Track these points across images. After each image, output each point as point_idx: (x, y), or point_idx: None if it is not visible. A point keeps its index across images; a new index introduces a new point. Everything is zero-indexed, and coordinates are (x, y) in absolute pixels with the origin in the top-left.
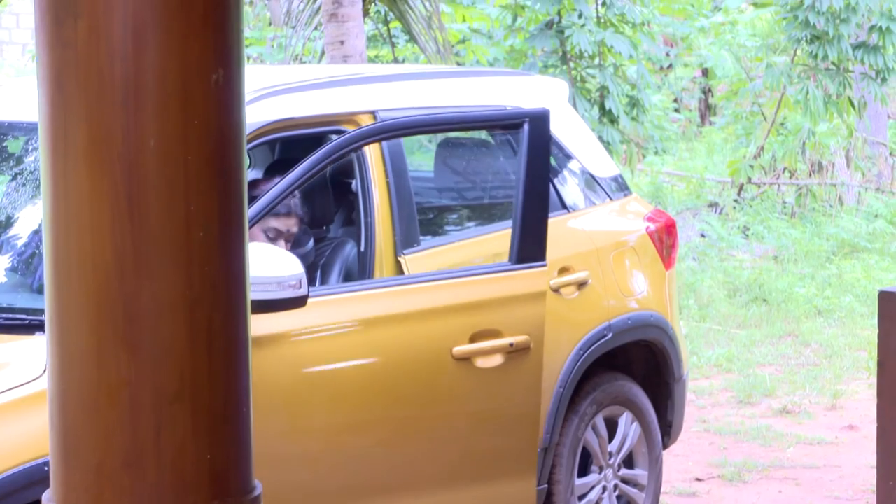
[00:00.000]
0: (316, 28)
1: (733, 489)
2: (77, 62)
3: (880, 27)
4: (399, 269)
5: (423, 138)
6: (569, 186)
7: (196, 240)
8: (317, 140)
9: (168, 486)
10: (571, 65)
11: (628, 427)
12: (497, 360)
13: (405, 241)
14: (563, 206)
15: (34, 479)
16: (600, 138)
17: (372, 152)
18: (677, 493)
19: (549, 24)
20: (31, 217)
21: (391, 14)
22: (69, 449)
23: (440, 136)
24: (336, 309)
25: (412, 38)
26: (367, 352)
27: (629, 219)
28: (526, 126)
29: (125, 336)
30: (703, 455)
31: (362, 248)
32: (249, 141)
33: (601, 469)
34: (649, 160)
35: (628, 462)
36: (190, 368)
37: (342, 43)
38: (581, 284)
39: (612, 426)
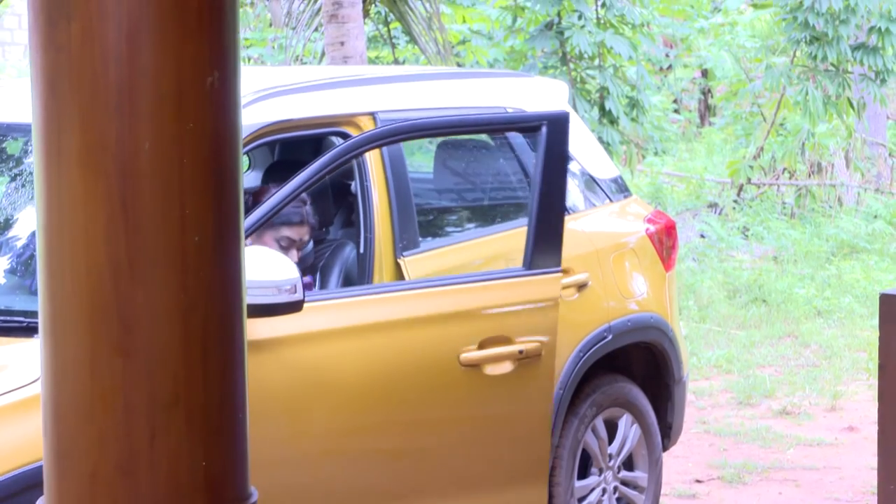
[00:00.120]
0: (316, 29)
1: (733, 491)
2: (70, 65)
3: (879, 28)
4: (398, 271)
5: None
6: (569, 188)
7: (191, 244)
8: (316, 141)
9: (163, 494)
10: (571, 66)
11: (628, 429)
12: (506, 367)
13: (405, 243)
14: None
15: (32, 482)
16: (600, 139)
17: (371, 154)
18: (677, 495)
19: (548, 25)
20: (30, 219)
21: (391, 15)
22: (63, 455)
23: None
24: (343, 313)
25: (412, 39)
26: (375, 357)
27: (629, 220)
28: (544, 129)
29: (119, 342)
30: (703, 456)
31: (362, 251)
32: (249, 142)
33: (601, 471)
34: (649, 161)
35: (628, 464)
36: (185, 374)
37: (342, 44)
38: (581, 286)
39: (611, 428)
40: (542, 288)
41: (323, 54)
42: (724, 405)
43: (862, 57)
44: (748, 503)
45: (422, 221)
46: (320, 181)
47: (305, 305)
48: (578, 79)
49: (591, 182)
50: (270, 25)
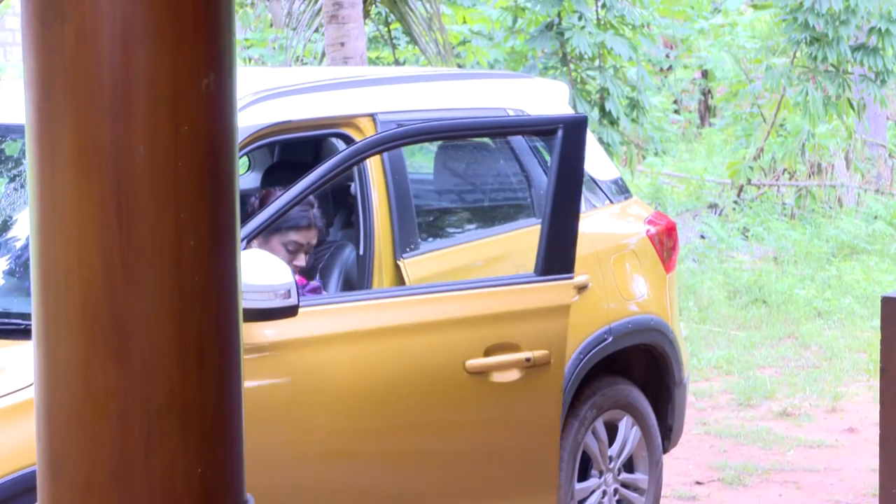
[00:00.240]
0: (317, 30)
1: (733, 492)
2: (64, 66)
3: (879, 29)
4: (398, 273)
5: None
6: None
7: (186, 249)
8: (316, 143)
9: (157, 501)
10: (571, 66)
11: (628, 431)
12: (513, 374)
13: (404, 244)
14: None
15: (32, 485)
16: (600, 140)
17: None
18: (677, 497)
19: (549, 26)
20: (28, 220)
21: (392, 16)
22: (56, 462)
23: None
24: (349, 318)
25: (413, 40)
26: (381, 363)
27: (629, 222)
28: (560, 132)
29: (113, 347)
30: (704, 458)
31: (361, 252)
32: (248, 144)
33: (601, 473)
34: (649, 162)
35: (628, 466)
36: (180, 380)
37: (342, 44)
38: (581, 288)
39: (612, 430)
40: (554, 294)
41: (323, 55)
42: (724, 406)
43: (862, 58)
44: None
45: (422, 223)
46: (329, 183)
47: (308, 310)
48: (579, 79)
49: (591, 183)
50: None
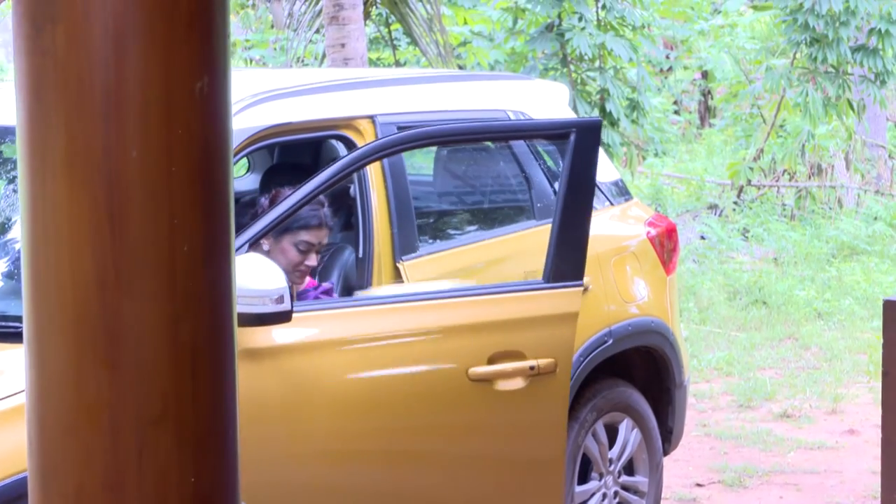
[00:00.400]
0: (317, 31)
1: (734, 495)
2: (55, 70)
3: (879, 30)
4: (398, 275)
5: None
6: None
7: (180, 254)
8: (316, 145)
9: None
10: (572, 67)
11: (629, 433)
12: (518, 383)
13: (404, 246)
14: None
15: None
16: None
17: None
18: (678, 499)
19: (549, 27)
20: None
21: (392, 17)
22: (47, 471)
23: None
24: (349, 323)
25: (413, 41)
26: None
27: (630, 224)
28: (573, 136)
29: (105, 355)
30: (704, 460)
31: (360, 254)
32: (248, 145)
33: (601, 476)
34: (649, 162)
35: (629, 469)
36: (173, 388)
37: (343, 45)
38: (582, 290)
39: (612, 433)
40: (562, 302)
41: (324, 56)
42: (724, 408)
43: (862, 59)
44: None
45: (421, 225)
46: (339, 183)
47: (309, 315)
48: (579, 80)
49: None
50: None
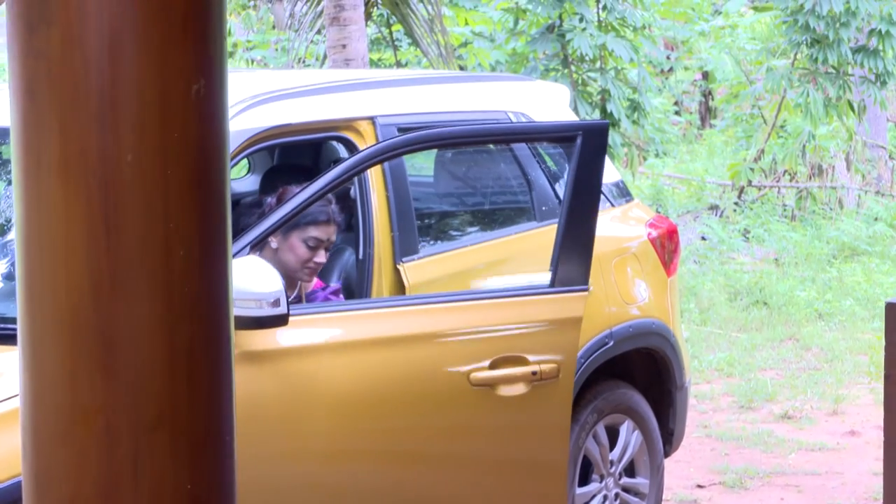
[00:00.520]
0: (319, 31)
1: (735, 496)
2: (50, 72)
3: (880, 31)
4: (398, 277)
5: None
6: None
7: (176, 259)
8: (316, 146)
9: None
10: (573, 68)
11: (630, 435)
12: (520, 388)
13: (404, 248)
14: None
15: None
16: None
17: None
18: (678, 501)
19: (550, 28)
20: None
21: (394, 17)
22: (42, 478)
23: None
24: (350, 326)
25: (414, 42)
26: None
27: (631, 225)
28: (579, 140)
29: (101, 360)
30: (705, 461)
31: (360, 256)
32: (248, 146)
33: (602, 478)
34: (650, 163)
35: (629, 470)
36: (169, 394)
37: (344, 46)
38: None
39: (613, 434)
40: (566, 306)
41: (325, 57)
42: (725, 409)
43: (862, 59)
44: None
45: (422, 226)
46: (347, 181)
47: (310, 318)
48: (580, 81)
49: None
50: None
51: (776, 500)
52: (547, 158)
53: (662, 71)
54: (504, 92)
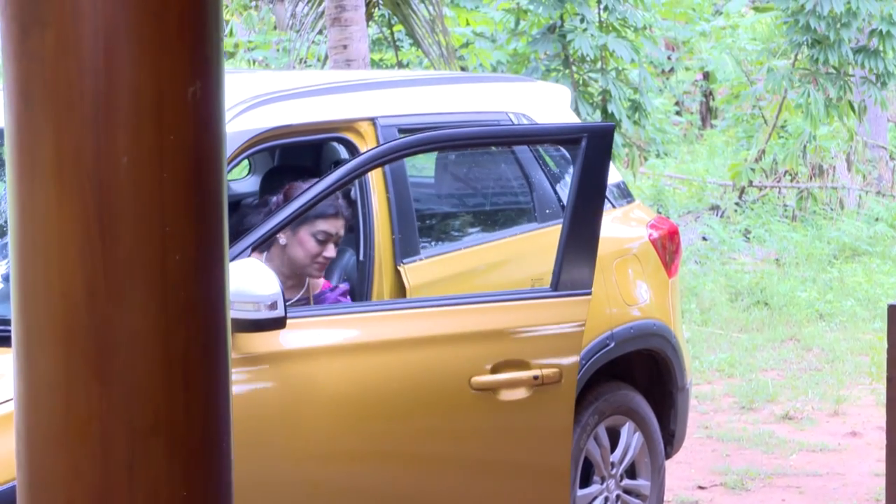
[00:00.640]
0: (320, 32)
1: (736, 498)
2: (44, 74)
3: (881, 31)
4: (398, 279)
5: None
6: None
7: (172, 263)
8: (316, 147)
9: None
10: (574, 68)
11: (631, 437)
12: (521, 392)
13: (405, 250)
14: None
15: None
16: None
17: None
18: (680, 502)
19: (551, 29)
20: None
21: (395, 18)
22: (36, 485)
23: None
24: (350, 329)
25: (416, 42)
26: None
27: (632, 226)
28: (584, 142)
29: (96, 366)
30: (706, 462)
31: (361, 258)
32: (249, 147)
33: (603, 480)
34: (651, 163)
35: (630, 472)
36: (165, 400)
37: (345, 47)
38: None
39: (614, 436)
40: (569, 311)
41: (326, 57)
42: (726, 410)
43: (863, 60)
44: None
45: (422, 227)
46: (355, 180)
47: (310, 320)
48: (581, 82)
49: None
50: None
51: (777, 502)
52: (548, 159)
53: (663, 71)
54: (505, 93)
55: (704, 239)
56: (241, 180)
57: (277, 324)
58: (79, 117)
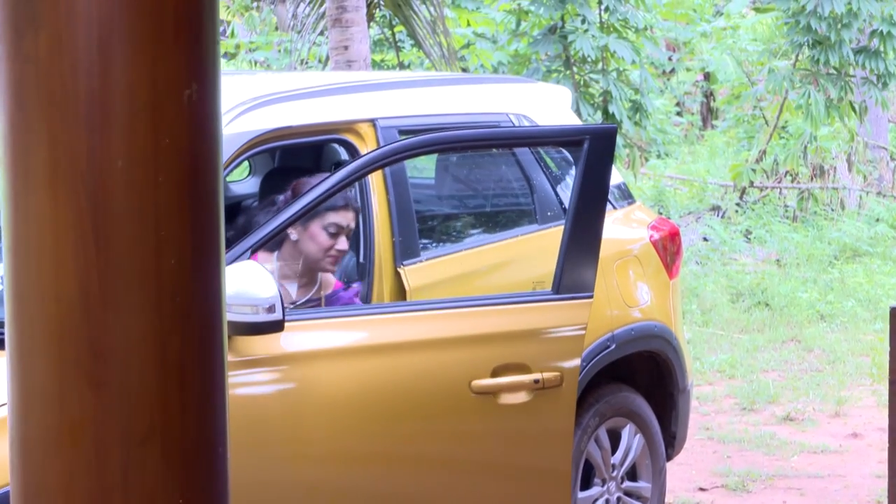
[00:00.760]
0: (321, 33)
1: (737, 499)
2: (38, 77)
3: (881, 32)
4: (398, 281)
5: None
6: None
7: (167, 268)
8: (317, 148)
9: None
10: (575, 69)
11: (632, 439)
12: (522, 396)
13: (405, 251)
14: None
15: None
16: None
17: None
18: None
19: (552, 29)
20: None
21: (396, 19)
22: (30, 492)
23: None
24: (351, 332)
25: (417, 43)
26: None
27: (633, 227)
28: (586, 144)
29: (90, 372)
30: (707, 464)
31: (361, 259)
32: (249, 149)
33: (604, 482)
34: (652, 164)
35: (631, 474)
36: (160, 406)
37: (346, 48)
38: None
39: (615, 438)
40: (571, 314)
41: (328, 58)
42: (727, 411)
43: (864, 60)
44: None
45: (422, 229)
46: (358, 180)
47: (310, 323)
48: (582, 82)
49: None
50: (276, 29)
51: (778, 503)
52: (549, 161)
53: (664, 72)
54: (506, 94)
55: (705, 240)
56: (241, 182)
57: (275, 327)
58: (73, 120)
